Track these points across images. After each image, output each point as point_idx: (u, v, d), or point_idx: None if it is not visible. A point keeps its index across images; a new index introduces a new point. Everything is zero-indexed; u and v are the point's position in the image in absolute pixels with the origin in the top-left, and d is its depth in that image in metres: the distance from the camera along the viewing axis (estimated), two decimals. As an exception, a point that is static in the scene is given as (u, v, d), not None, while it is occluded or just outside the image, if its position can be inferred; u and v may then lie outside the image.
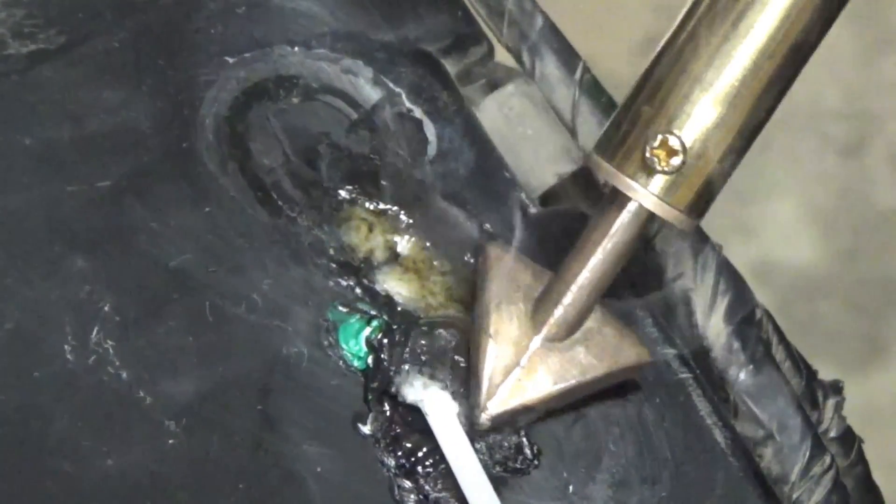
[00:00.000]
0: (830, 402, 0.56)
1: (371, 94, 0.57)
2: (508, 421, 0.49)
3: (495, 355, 0.49)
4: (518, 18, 0.59)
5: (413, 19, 0.59)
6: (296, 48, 0.57)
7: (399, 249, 0.53)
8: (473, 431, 0.49)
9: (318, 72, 0.56)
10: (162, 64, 0.55)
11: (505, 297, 0.50)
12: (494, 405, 0.48)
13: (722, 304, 0.54)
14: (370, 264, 0.52)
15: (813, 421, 0.54)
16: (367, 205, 0.53)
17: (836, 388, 0.56)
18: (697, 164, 0.45)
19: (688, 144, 0.45)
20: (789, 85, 0.46)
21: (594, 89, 0.58)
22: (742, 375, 0.53)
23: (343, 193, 0.53)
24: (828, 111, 1.36)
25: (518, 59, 0.60)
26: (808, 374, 0.56)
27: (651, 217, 0.47)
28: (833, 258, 1.33)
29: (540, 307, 0.49)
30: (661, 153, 0.45)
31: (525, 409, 0.49)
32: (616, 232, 0.47)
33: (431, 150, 0.56)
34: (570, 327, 0.49)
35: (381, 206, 0.53)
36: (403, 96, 0.57)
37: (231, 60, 0.56)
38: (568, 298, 0.48)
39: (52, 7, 0.55)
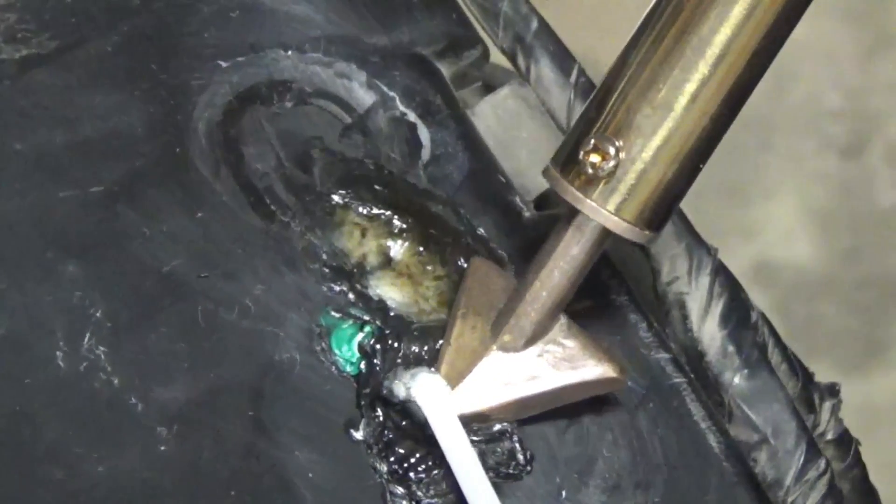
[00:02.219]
0: (827, 405, 0.56)
1: (365, 97, 0.56)
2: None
3: (451, 363, 0.49)
4: (513, 21, 0.59)
5: (407, 22, 0.59)
6: (289, 52, 0.56)
7: (392, 254, 0.52)
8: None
9: (311, 76, 0.56)
10: (155, 68, 0.55)
11: (472, 308, 0.50)
12: None
13: (717, 308, 0.54)
14: (363, 269, 0.52)
15: (809, 424, 0.53)
16: (360, 209, 0.53)
17: (832, 391, 0.56)
18: (646, 174, 0.44)
19: (630, 154, 0.44)
20: (741, 97, 0.44)
21: (589, 92, 0.58)
22: (737, 379, 0.53)
23: (336, 198, 0.53)
24: (828, 111, 1.36)
25: (513, 61, 0.60)
26: (805, 376, 0.56)
27: (604, 230, 0.46)
28: (833, 258, 1.32)
29: (499, 318, 0.49)
30: (598, 160, 0.44)
31: (477, 416, 0.49)
32: (566, 243, 0.47)
33: (425, 153, 0.56)
34: (526, 338, 0.49)
35: (374, 210, 0.53)
36: (397, 100, 0.57)
37: (224, 65, 0.55)
38: (521, 308, 0.48)
39: (44, 12, 0.55)
